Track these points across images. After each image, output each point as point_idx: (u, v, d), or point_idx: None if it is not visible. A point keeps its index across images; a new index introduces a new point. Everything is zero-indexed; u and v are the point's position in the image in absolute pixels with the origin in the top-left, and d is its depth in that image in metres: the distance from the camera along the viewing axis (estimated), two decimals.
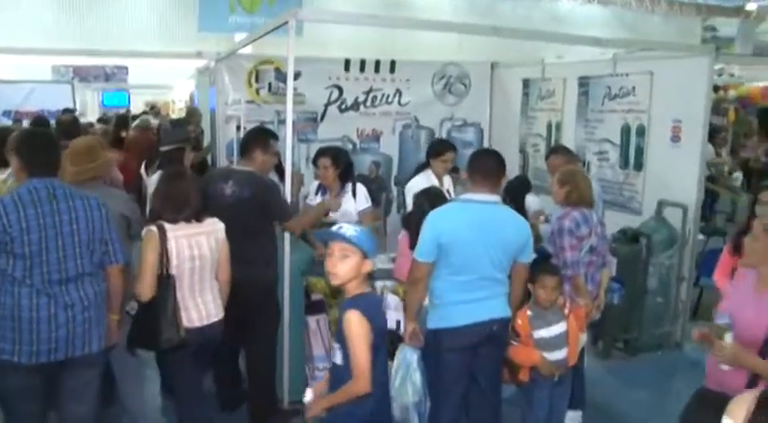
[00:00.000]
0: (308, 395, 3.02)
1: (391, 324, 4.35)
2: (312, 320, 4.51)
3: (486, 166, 3.72)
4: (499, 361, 3.76)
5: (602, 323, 5.11)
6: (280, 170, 5.20)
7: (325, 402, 2.89)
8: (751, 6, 15.29)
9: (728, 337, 2.66)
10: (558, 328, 3.73)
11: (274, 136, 4.61)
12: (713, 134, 12.54)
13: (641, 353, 5.76)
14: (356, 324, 2.73)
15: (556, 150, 5.56)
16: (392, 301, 4.36)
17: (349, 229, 2.84)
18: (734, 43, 17.06)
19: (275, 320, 4.37)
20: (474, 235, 3.52)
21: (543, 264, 3.82)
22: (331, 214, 5.08)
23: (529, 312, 3.74)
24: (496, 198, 3.70)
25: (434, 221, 3.60)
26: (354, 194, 5.09)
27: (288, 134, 4.43)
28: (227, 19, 13.50)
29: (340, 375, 2.86)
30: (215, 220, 3.67)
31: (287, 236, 4.49)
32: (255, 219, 4.22)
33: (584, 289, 4.18)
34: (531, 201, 5.69)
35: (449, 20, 13.12)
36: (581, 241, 4.17)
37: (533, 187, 6.27)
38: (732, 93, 13.57)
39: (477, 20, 13.26)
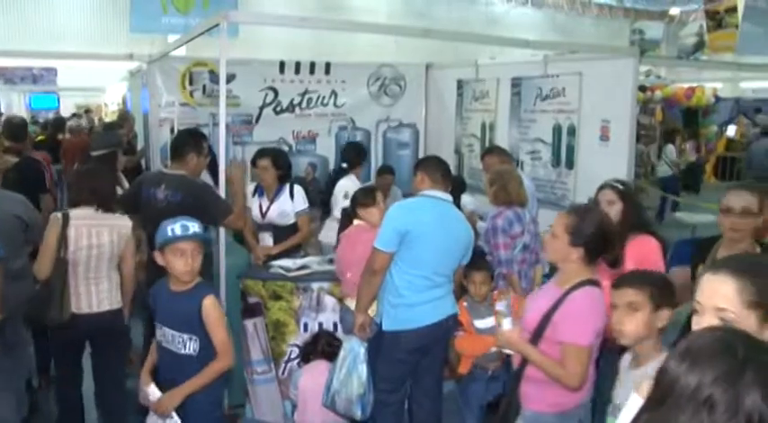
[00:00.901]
0: (155, 393, 3.05)
1: (328, 326, 4.39)
2: (249, 324, 4.47)
3: (443, 167, 3.85)
4: (444, 355, 3.86)
5: None
6: (213, 171, 5.14)
7: (187, 389, 2.96)
8: (674, 11, 15.88)
9: (505, 324, 2.82)
10: (491, 322, 3.81)
11: (204, 137, 4.58)
12: (673, 135, 13.05)
13: None
14: (217, 306, 3.01)
15: (491, 150, 5.65)
16: (329, 302, 4.37)
17: (194, 226, 3.00)
18: (660, 46, 17.63)
19: None
20: (437, 229, 3.59)
21: (473, 260, 3.89)
22: (269, 216, 5.07)
23: (465, 303, 3.84)
24: (450, 197, 3.79)
25: (400, 212, 3.64)
26: (292, 196, 5.08)
27: (221, 137, 4.40)
28: (160, 20, 13.16)
29: (190, 366, 2.99)
30: (124, 216, 3.87)
31: (222, 239, 4.46)
32: None
33: (518, 286, 4.27)
34: (467, 201, 5.77)
35: (384, 22, 13.21)
36: (514, 239, 4.27)
37: (469, 187, 6.37)
38: (658, 93, 14.02)
39: (413, 22, 13.38)
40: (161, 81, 6.85)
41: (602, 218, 2.84)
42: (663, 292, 2.44)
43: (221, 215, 4.28)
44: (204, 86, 7.02)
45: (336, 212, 5.70)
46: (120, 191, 4.95)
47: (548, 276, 5.42)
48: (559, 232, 2.77)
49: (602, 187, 3.68)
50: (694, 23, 16.95)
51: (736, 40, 9.58)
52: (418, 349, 3.65)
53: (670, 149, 12.44)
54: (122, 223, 3.82)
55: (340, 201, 5.70)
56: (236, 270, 4.60)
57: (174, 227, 2.96)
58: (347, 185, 5.80)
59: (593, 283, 2.73)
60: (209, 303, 2.97)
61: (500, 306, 2.85)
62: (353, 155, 6.30)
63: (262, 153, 5.18)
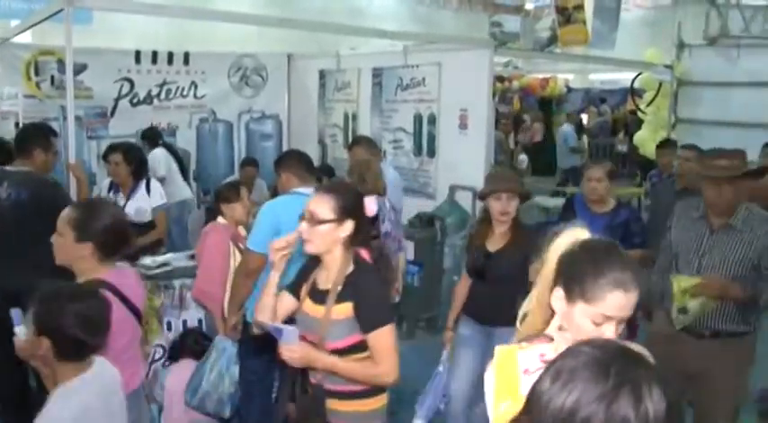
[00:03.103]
0: None
1: (193, 323, 4.29)
2: None
3: (306, 161, 3.80)
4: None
5: (404, 305, 5.32)
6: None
7: None
8: (529, 6, 16.63)
9: (20, 332, 2.32)
10: None
11: (53, 132, 4.32)
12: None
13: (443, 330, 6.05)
14: None
15: (358, 141, 5.67)
16: (192, 299, 4.27)
17: None
18: (519, 38, 18.36)
19: None
20: None
21: None
22: (126, 211, 4.88)
23: None
24: None
25: (274, 211, 3.54)
26: (149, 191, 4.92)
27: (70, 131, 4.19)
28: None
29: None
30: None
31: None
32: (38, 221, 3.90)
33: None
34: None
35: (247, 11, 12.93)
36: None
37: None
38: (515, 83, 14.66)
39: (276, 11, 13.16)
40: (1, 70, 6.40)
41: (112, 210, 2.71)
42: None
43: None
44: (52, 77, 6.63)
45: None
46: None
47: (414, 263, 5.59)
48: (64, 230, 2.54)
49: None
50: (548, 18, 17.78)
51: (588, 36, 10.13)
52: None
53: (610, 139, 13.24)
54: None
55: None
56: None
57: None
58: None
59: (103, 283, 2.48)
60: None
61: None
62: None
63: (113, 148, 5.00)
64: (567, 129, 13.56)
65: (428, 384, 3.81)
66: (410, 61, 6.53)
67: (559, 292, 1.71)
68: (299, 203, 3.61)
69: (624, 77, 11.51)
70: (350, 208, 2.44)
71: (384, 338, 2.44)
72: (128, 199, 4.90)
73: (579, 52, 11.60)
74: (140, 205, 4.85)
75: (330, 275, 2.48)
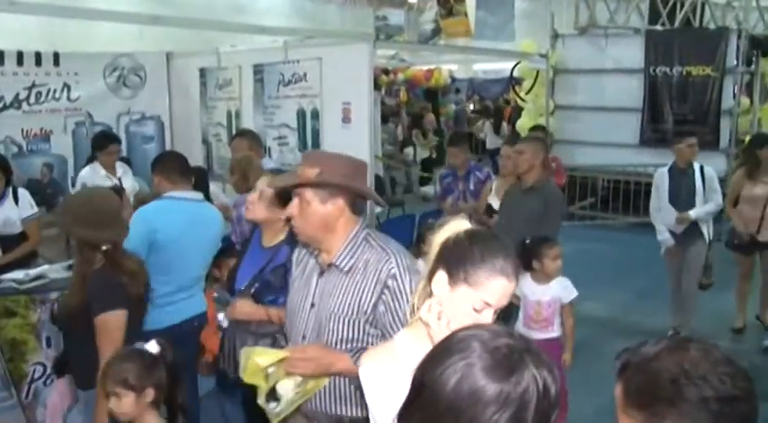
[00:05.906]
0: None
1: None
2: None
3: (181, 164, 3.73)
4: (194, 354, 3.75)
5: None
6: None
7: None
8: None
9: None
10: None
11: None
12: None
13: None
14: None
15: (241, 134, 5.61)
16: None
17: None
18: (405, 31, 18.61)
19: None
20: (187, 233, 3.47)
21: (224, 250, 3.86)
22: None
23: (215, 294, 3.78)
24: (200, 195, 3.69)
25: (147, 217, 3.46)
26: (16, 200, 4.67)
27: None
28: None
29: None
30: None
31: None
32: None
33: None
34: (216, 192, 5.68)
35: (125, 8, 12.47)
36: None
37: (218, 176, 6.31)
38: (401, 76, 14.86)
39: (155, 8, 12.78)
40: None
41: None
42: None
43: None
44: None
45: None
46: None
47: None
48: None
49: None
50: (431, 11, 18.11)
51: (471, 27, 10.35)
52: None
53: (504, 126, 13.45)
54: None
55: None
56: None
57: None
58: (85, 175, 5.79)
59: None
60: None
61: None
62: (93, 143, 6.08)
63: None
64: None
65: None
66: (291, 57, 6.49)
67: (442, 276, 1.71)
68: (173, 209, 3.58)
69: (507, 67, 11.87)
70: None
71: None
72: None
73: (463, 43, 11.85)
74: (8, 215, 4.59)
75: None
